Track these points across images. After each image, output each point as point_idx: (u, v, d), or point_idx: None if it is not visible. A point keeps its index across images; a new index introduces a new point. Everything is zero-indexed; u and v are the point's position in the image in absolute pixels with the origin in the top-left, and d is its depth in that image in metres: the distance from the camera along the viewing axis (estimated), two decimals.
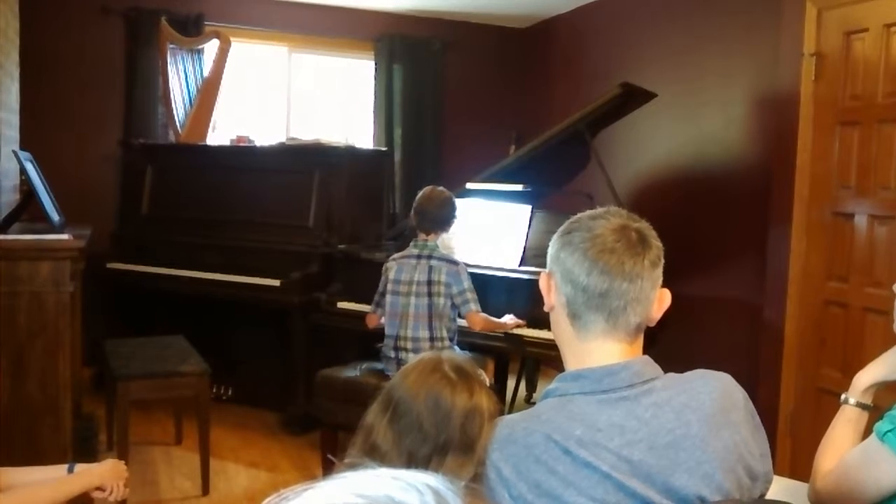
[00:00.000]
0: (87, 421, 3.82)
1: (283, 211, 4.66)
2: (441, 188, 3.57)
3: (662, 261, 1.22)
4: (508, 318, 3.62)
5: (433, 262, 3.42)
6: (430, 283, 3.40)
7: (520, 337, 3.66)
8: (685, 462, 1.12)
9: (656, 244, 1.21)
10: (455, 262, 3.45)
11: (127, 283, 4.70)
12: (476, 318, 3.42)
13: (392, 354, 3.49)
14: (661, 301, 1.23)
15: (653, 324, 1.23)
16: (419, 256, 3.45)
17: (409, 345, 3.43)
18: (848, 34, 3.34)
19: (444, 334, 3.44)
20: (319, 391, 3.66)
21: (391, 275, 3.49)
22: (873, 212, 3.24)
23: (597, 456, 1.10)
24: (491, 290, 3.83)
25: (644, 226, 1.22)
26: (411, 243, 3.53)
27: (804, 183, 3.53)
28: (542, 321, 3.58)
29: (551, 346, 3.49)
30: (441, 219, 3.49)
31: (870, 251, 3.25)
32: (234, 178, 4.83)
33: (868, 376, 1.49)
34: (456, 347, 3.49)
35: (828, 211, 3.45)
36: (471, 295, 3.42)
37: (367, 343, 3.80)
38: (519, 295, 3.77)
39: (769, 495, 1.25)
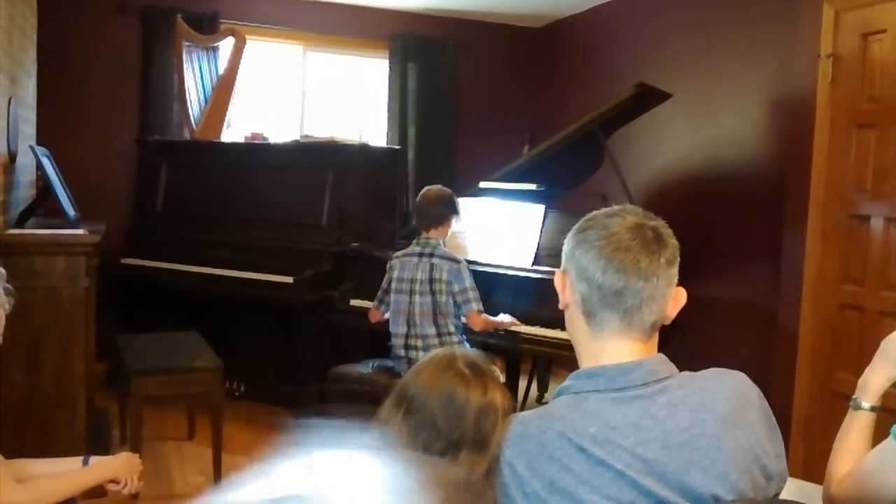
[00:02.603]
0: (101, 416, 3.84)
1: (297, 208, 4.67)
2: (439, 186, 3.64)
3: (678, 259, 1.21)
4: (505, 317, 3.62)
5: (434, 261, 3.45)
6: (431, 281, 3.43)
7: (516, 334, 3.67)
8: (700, 461, 1.11)
9: (672, 242, 1.21)
10: (456, 261, 3.46)
11: (140, 278, 4.72)
12: (476, 318, 3.44)
13: (402, 353, 3.51)
14: (676, 300, 1.22)
15: (668, 322, 1.23)
16: (421, 255, 3.48)
17: (419, 343, 3.46)
18: (865, 36, 3.31)
19: (452, 329, 3.46)
20: (331, 388, 3.67)
21: (395, 273, 3.52)
22: (890, 215, 3.21)
23: (611, 454, 1.10)
24: (504, 289, 3.83)
25: (660, 224, 1.22)
26: (413, 241, 3.56)
27: (820, 185, 3.51)
28: (553, 321, 3.58)
29: (559, 346, 3.51)
30: (434, 214, 3.53)
31: (886, 254, 3.23)
32: (247, 175, 4.85)
33: (881, 378, 1.47)
34: (466, 343, 3.49)
35: (843, 214, 3.43)
36: (472, 294, 3.43)
37: (379, 340, 3.81)
38: (532, 294, 3.77)
39: (782, 496, 1.25)
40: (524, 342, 3.71)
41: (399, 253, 3.59)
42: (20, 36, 3.90)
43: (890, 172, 3.20)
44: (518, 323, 3.64)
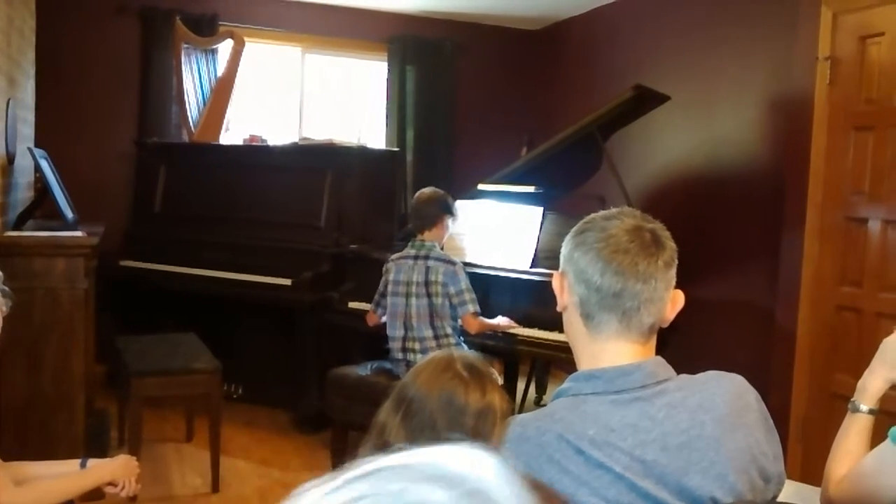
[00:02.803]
0: (100, 417, 3.84)
1: (295, 210, 4.67)
2: (432, 188, 3.66)
3: (676, 262, 1.21)
4: (502, 319, 3.63)
5: (430, 263, 3.45)
6: (427, 283, 3.43)
7: (515, 336, 3.68)
8: (698, 463, 1.12)
9: (670, 245, 1.21)
10: (452, 262, 3.47)
11: (139, 280, 4.72)
12: (472, 320, 3.44)
13: (400, 356, 3.51)
14: (674, 302, 1.23)
15: (666, 325, 1.23)
16: (416, 257, 3.49)
17: (417, 345, 3.46)
18: (863, 38, 3.32)
19: (449, 331, 3.46)
20: (330, 390, 3.67)
21: (390, 276, 3.53)
22: (887, 217, 3.22)
23: (610, 456, 1.10)
24: (502, 291, 3.83)
25: (658, 226, 1.22)
26: (409, 243, 3.56)
27: (817, 187, 3.52)
28: (551, 323, 3.58)
29: (557, 348, 3.51)
30: (427, 215, 3.54)
31: (883, 256, 3.24)
32: (246, 177, 4.85)
33: (879, 381, 1.47)
34: (463, 345, 3.50)
35: (841, 215, 3.43)
36: (468, 296, 3.42)
37: (378, 342, 3.81)
38: (530, 296, 3.77)
39: (780, 499, 1.25)
40: (522, 344, 3.71)
41: (395, 255, 3.59)
42: (19, 38, 3.90)
43: (887, 175, 3.21)
44: (515, 325, 3.65)
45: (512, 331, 3.67)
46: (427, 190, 3.63)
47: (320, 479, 0.42)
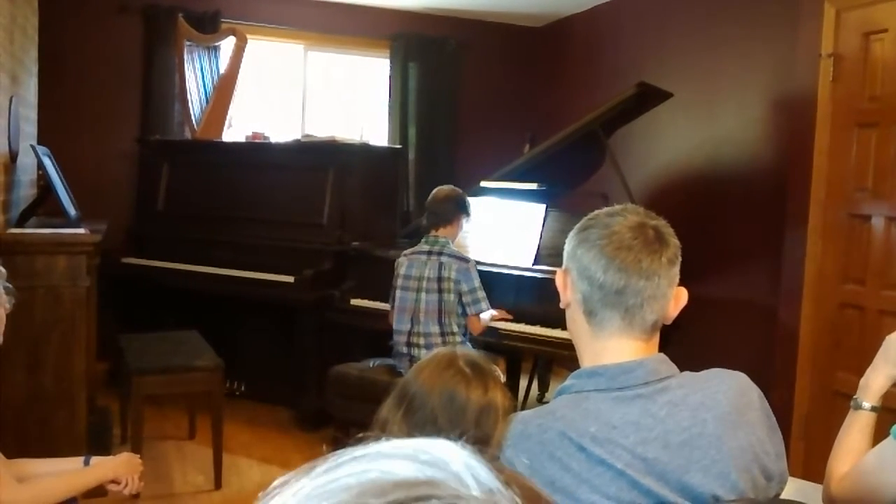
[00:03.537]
0: (102, 415, 3.84)
1: (298, 208, 4.67)
2: (450, 186, 3.67)
3: (680, 259, 1.21)
4: (493, 312, 3.64)
5: (443, 259, 3.45)
6: (440, 279, 3.43)
7: (497, 330, 3.70)
8: (700, 461, 1.11)
9: (674, 242, 1.21)
10: (465, 259, 3.48)
11: (141, 278, 4.72)
12: (477, 322, 3.47)
13: (404, 351, 3.51)
14: (677, 299, 1.22)
15: (669, 322, 1.23)
16: (430, 253, 3.49)
17: (422, 340, 3.46)
18: (867, 35, 3.31)
19: (455, 329, 3.46)
20: (331, 387, 3.67)
21: (402, 270, 3.53)
22: (891, 214, 3.21)
23: (611, 453, 1.10)
24: (505, 288, 3.83)
25: (661, 223, 1.22)
26: (423, 239, 3.57)
27: (820, 185, 3.51)
28: (554, 320, 3.58)
29: (559, 345, 3.51)
30: (442, 213, 3.55)
31: (886, 253, 3.23)
32: (249, 174, 4.85)
33: (882, 378, 1.47)
34: (468, 343, 3.50)
35: (844, 213, 3.42)
36: (480, 294, 3.44)
37: (379, 339, 3.81)
38: (532, 294, 3.77)
39: (783, 496, 1.25)
40: (525, 341, 3.71)
41: (407, 251, 3.60)
42: (21, 35, 3.90)
43: (891, 172, 3.20)
44: (507, 317, 3.67)
45: (513, 328, 3.68)
46: (445, 188, 3.64)
47: (290, 475, 0.44)
